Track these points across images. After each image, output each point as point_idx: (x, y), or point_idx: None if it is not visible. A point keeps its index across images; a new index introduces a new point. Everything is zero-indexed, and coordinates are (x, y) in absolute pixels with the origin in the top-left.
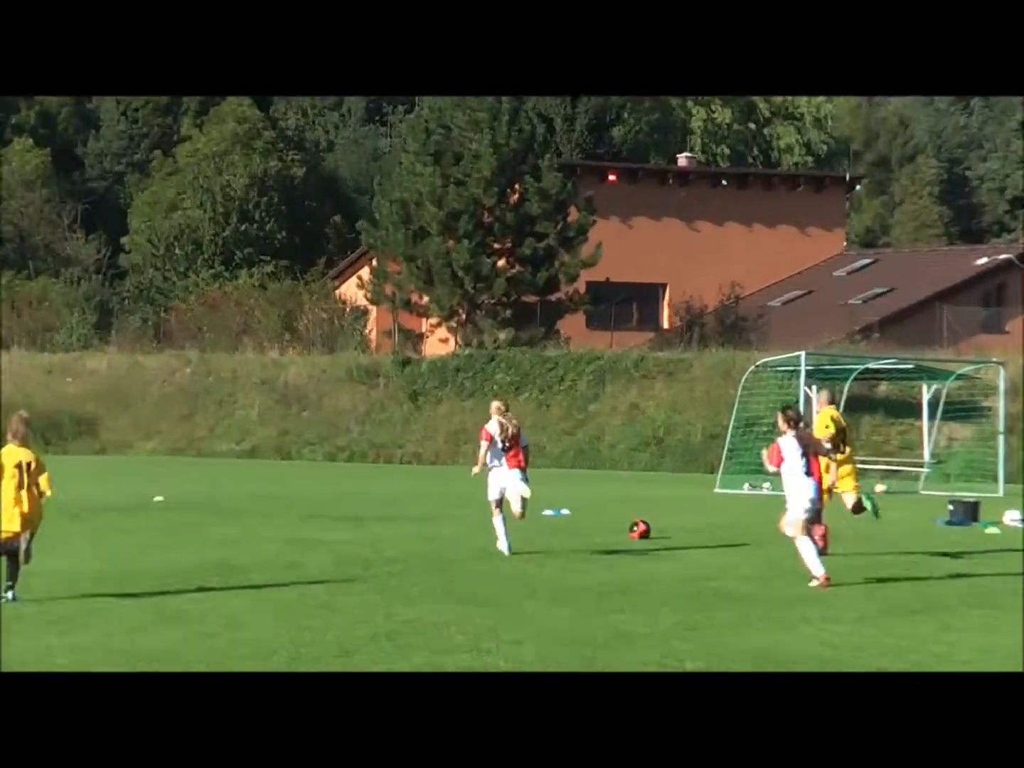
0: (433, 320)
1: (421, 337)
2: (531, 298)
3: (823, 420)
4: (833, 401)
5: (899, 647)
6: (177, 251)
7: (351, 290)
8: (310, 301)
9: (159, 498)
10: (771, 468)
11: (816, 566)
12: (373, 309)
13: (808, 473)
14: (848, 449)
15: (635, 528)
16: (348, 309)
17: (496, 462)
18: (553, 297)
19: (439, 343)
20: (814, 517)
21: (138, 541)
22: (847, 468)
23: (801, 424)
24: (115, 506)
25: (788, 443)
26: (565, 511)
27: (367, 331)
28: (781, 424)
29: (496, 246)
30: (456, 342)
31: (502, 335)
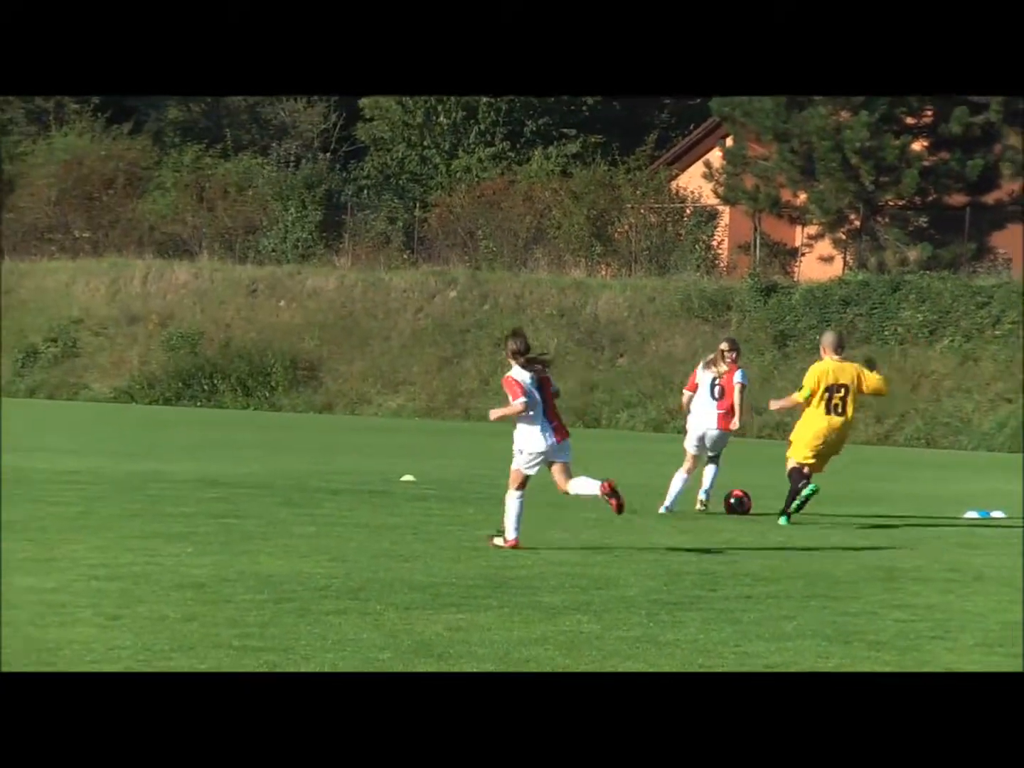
0: (813, 229)
1: (795, 253)
2: (958, 199)
3: (809, 375)
4: (840, 347)
5: None
6: (441, 118)
7: (694, 182)
8: (633, 197)
9: (408, 478)
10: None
11: (512, 527)
12: (725, 211)
13: (545, 414)
14: (847, 412)
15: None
16: (689, 210)
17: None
18: (990, 199)
19: (820, 263)
20: (533, 472)
21: (378, 539)
22: (817, 432)
23: (528, 354)
24: (345, 488)
25: (520, 376)
26: (998, 513)
27: (716, 243)
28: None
29: (909, 120)
30: (845, 262)
31: (913, 253)
